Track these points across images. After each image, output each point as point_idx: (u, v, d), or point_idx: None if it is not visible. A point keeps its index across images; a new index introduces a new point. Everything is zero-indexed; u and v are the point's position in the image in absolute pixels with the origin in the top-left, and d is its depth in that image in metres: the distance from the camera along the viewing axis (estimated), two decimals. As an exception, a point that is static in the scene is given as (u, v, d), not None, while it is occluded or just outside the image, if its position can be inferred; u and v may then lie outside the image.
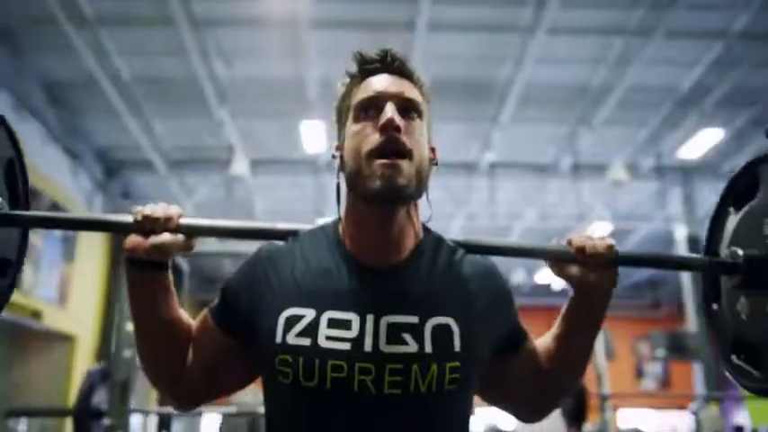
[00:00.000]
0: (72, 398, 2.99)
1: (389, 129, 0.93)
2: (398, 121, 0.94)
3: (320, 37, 6.31)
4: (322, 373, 0.85)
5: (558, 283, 12.21)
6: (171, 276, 0.99)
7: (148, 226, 0.94)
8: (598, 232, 9.80)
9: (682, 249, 9.33)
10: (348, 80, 1.04)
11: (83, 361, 8.28)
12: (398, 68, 1.06)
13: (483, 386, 1.02)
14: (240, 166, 7.98)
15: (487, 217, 9.15)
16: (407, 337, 0.88)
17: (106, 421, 2.32)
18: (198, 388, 1.00)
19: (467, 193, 9.45)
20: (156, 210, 0.96)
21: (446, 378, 0.88)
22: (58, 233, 8.25)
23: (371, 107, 0.97)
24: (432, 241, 1.04)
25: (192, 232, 0.98)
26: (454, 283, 0.99)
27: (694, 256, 1.21)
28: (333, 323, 0.88)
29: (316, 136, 7.73)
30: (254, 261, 1.00)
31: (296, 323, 0.88)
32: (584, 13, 6.07)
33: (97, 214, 1.07)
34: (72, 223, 1.46)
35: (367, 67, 1.05)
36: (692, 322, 8.96)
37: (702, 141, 8.06)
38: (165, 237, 0.94)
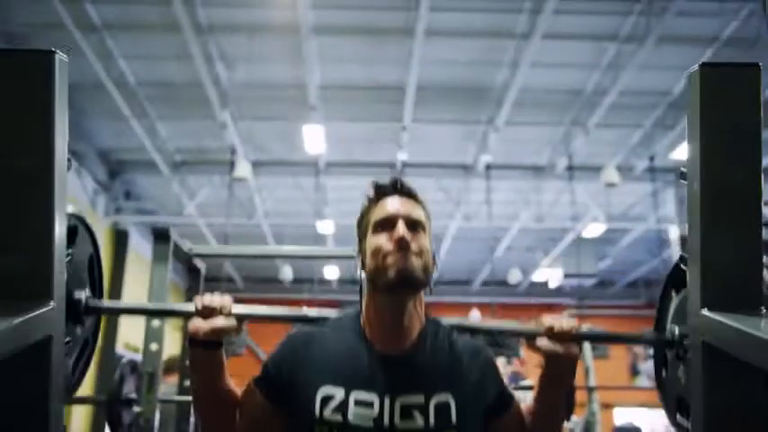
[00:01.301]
0: (84, 388, 3.18)
1: (401, 243, 1.17)
2: (408, 236, 1.17)
3: (320, 42, 6.47)
4: None
5: (554, 282, 12.39)
6: (223, 354, 1.21)
7: (207, 312, 1.17)
8: (592, 233, 9.98)
9: (675, 249, 9.50)
10: (367, 202, 1.27)
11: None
12: (406, 192, 1.27)
13: None
14: (243, 169, 8.13)
15: (484, 218, 9.29)
16: (416, 413, 1.14)
17: (136, 409, 2.51)
18: None
19: (464, 195, 9.62)
20: (214, 299, 1.18)
21: None
22: (62, 233, 8.39)
23: (387, 224, 1.20)
24: (432, 326, 1.26)
25: (241, 317, 1.20)
26: (451, 362, 1.22)
27: (645, 333, 1.41)
28: (359, 403, 1.13)
29: (316, 138, 7.89)
30: (291, 344, 1.25)
31: (330, 400, 1.13)
32: (578, 20, 6.24)
33: (167, 303, 1.28)
34: (146, 311, 1.68)
35: (382, 192, 1.26)
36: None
37: (694, 144, 8.23)
38: (221, 321, 1.17)
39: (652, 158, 8.57)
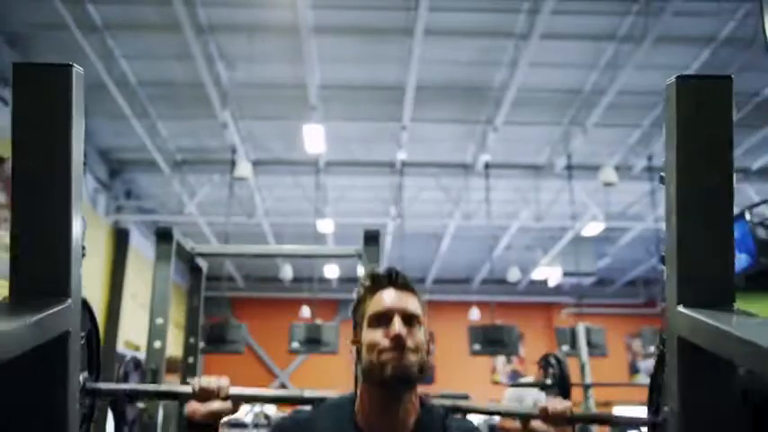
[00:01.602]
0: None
1: (398, 341, 1.17)
2: (404, 334, 1.18)
3: (320, 42, 6.52)
4: None
5: (553, 280, 12.44)
6: None
7: (204, 395, 1.21)
8: (591, 232, 10.01)
9: (673, 248, 9.55)
10: (363, 291, 1.27)
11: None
12: (402, 284, 1.25)
13: None
14: (243, 169, 8.17)
15: (483, 217, 9.33)
16: None
17: (140, 405, 2.57)
18: None
19: (463, 193, 9.67)
20: (211, 382, 1.22)
21: None
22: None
23: (383, 319, 1.20)
24: (427, 414, 1.24)
25: (237, 399, 1.24)
26: None
27: (639, 416, 1.36)
28: None
29: (316, 137, 7.93)
30: (279, 430, 1.25)
31: None
32: (576, 20, 6.28)
33: (165, 385, 1.31)
34: (145, 393, 1.74)
35: (378, 284, 1.26)
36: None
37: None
38: (217, 405, 1.22)
39: (650, 158, 8.61)
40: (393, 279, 1.25)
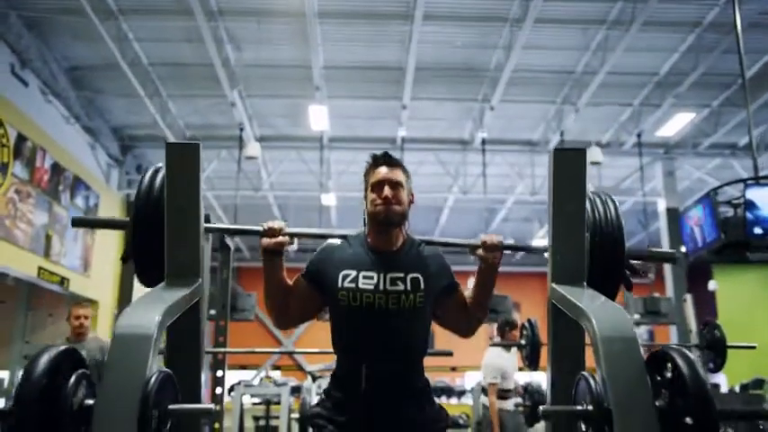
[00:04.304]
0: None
1: (386, 200, 1.83)
2: (390, 194, 1.83)
3: (324, 26, 6.84)
4: (360, 299, 1.78)
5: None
6: (283, 259, 1.86)
7: (271, 233, 1.81)
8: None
9: (663, 221, 9.95)
10: (367, 166, 1.91)
11: (104, 323, 8.96)
12: (391, 162, 1.88)
13: (436, 317, 1.92)
14: (253, 149, 8.54)
15: (481, 190, 9.66)
16: (399, 282, 1.81)
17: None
18: (294, 315, 1.91)
19: (461, 168, 10.04)
20: (274, 224, 1.81)
21: (417, 301, 1.80)
22: (81, 205, 8.86)
23: (377, 185, 1.85)
24: (410, 240, 1.92)
25: (291, 235, 1.85)
26: (420, 258, 1.89)
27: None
28: (365, 277, 1.81)
29: (320, 115, 8.27)
30: (323, 250, 1.92)
31: (347, 277, 1.81)
32: (567, 5, 6.59)
33: (246, 226, 1.84)
34: (234, 231, 2.31)
35: (376, 161, 1.89)
36: (669, 289, 9.65)
37: (680, 121, 8.65)
38: (279, 238, 1.81)
39: (639, 135, 8.96)
40: (386, 159, 1.88)
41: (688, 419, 1.15)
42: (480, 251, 1.85)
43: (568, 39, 7.10)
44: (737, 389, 8.10)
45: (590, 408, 1.26)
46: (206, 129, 9.32)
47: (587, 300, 1.48)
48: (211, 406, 1.39)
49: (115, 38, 6.79)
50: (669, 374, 1.21)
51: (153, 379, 1.20)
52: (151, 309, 1.33)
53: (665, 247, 9.81)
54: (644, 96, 8.21)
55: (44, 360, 1.14)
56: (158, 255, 1.66)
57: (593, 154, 8.40)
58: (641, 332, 15.27)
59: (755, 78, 7.44)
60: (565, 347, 1.70)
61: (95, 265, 9.24)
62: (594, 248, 1.75)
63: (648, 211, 10.43)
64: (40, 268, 7.74)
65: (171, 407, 1.26)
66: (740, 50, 4.96)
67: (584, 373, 1.35)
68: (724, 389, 8.54)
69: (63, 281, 8.29)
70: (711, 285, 11.73)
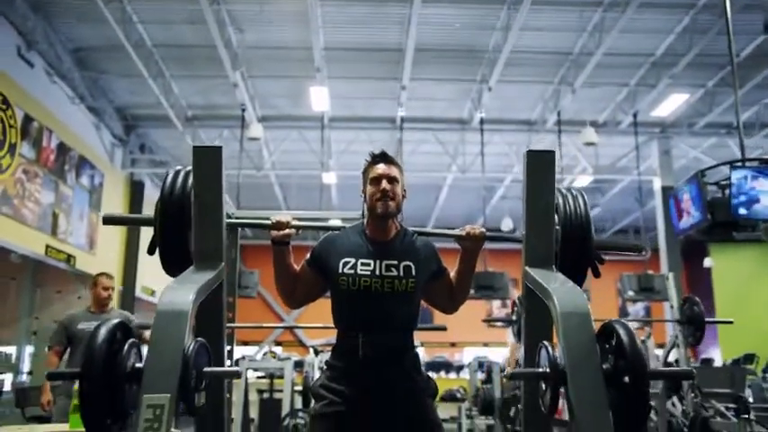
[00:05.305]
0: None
1: (384, 194, 2.03)
2: (387, 188, 2.04)
3: (325, 7, 6.94)
4: (359, 283, 1.98)
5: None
6: (290, 247, 2.06)
7: (279, 226, 1.99)
8: (582, 183, 10.53)
9: (658, 199, 10.11)
10: (366, 163, 2.12)
11: (111, 300, 9.16)
12: (389, 160, 2.09)
13: (425, 296, 2.12)
14: (256, 130, 8.68)
15: (479, 169, 9.80)
16: (393, 269, 2.01)
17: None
18: (300, 297, 2.11)
19: (460, 147, 10.18)
20: (281, 218, 2.01)
21: (408, 285, 2.01)
22: (86, 184, 9.02)
23: (376, 180, 2.05)
24: (403, 230, 2.12)
25: (298, 227, 2.03)
26: (412, 247, 2.09)
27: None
28: (362, 264, 2.02)
29: (321, 96, 8.39)
30: (325, 240, 2.11)
31: (347, 264, 2.02)
32: (564, -13, 6.70)
33: (259, 217, 2.07)
34: (245, 224, 2.30)
35: (375, 159, 2.10)
36: (664, 266, 9.85)
37: (675, 101, 8.78)
38: (286, 231, 2.00)
39: (635, 114, 9.09)
40: (383, 157, 2.10)
41: (626, 378, 1.39)
42: (464, 241, 2.06)
43: (565, 20, 7.21)
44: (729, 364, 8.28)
45: (548, 370, 1.50)
46: (208, 109, 9.46)
47: (553, 281, 1.72)
48: (239, 369, 1.65)
49: (119, 20, 6.89)
50: (614, 342, 1.45)
51: (191, 346, 1.44)
52: (186, 289, 1.58)
53: (661, 224, 10.02)
54: (640, 77, 8.33)
55: (104, 331, 1.38)
56: (180, 247, 1.88)
57: (588, 135, 8.55)
58: (638, 309, 15.63)
59: (750, 59, 7.57)
60: (535, 322, 1.93)
61: (101, 243, 9.44)
62: (565, 238, 1.92)
63: (644, 190, 10.58)
64: (47, 246, 7.93)
65: (205, 369, 1.50)
66: (729, 33, 5.09)
67: (544, 342, 1.58)
68: (718, 363, 8.73)
69: (69, 258, 8.48)
70: (707, 263, 11.95)
